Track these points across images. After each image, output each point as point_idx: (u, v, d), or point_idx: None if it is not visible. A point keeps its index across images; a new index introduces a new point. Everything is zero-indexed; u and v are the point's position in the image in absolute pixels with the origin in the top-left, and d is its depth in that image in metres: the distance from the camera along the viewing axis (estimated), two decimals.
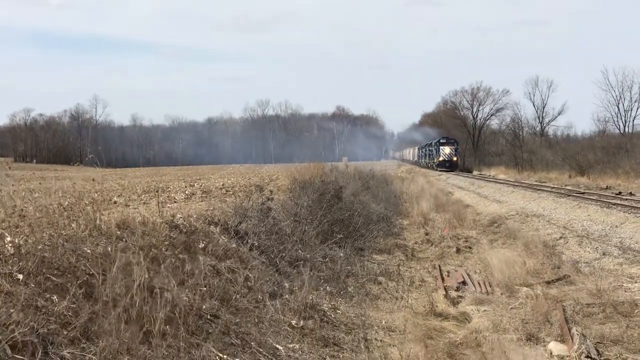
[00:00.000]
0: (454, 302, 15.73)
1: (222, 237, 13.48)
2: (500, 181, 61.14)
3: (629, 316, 13.57)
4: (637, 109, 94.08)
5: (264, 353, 9.25)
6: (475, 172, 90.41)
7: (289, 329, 10.80)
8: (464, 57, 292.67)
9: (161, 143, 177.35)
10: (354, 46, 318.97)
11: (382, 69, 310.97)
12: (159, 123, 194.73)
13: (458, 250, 23.36)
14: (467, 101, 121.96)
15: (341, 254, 18.69)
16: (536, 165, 79.71)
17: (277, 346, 9.73)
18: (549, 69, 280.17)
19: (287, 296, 12.14)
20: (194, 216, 14.25)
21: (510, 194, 46.16)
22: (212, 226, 14.02)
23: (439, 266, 19.94)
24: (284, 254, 15.41)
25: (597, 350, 11.46)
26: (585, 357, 10.73)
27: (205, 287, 10.37)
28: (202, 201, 20.99)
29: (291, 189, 25.19)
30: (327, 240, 19.24)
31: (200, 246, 11.94)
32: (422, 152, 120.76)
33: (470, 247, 24.08)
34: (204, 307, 9.63)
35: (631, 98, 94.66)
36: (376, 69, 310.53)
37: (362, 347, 10.86)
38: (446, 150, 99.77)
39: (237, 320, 9.92)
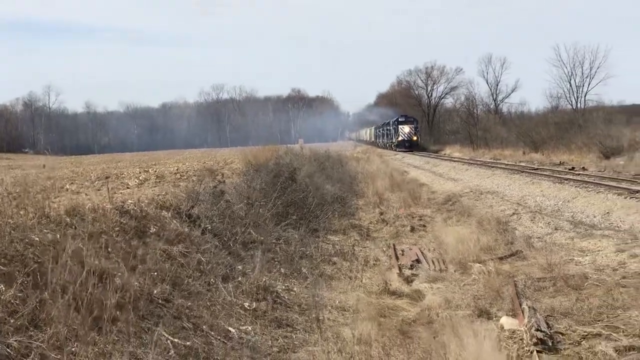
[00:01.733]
0: (408, 281, 15.82)
1: (174, 221, 13.42)
2: (455, 159, 61.42)
3: (578, 289, 13.74)
4: (589, 84, 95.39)
5: (216, 336, 9.27)
6: (430, 151, 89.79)
7: (241, 311, 10.81)
8: (419, 37, 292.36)
9: (116, 130, 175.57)
10: (310, 28, 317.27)
11: (338, 50, 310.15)
12: (113, 109, 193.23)
13: (412, 229, 23.47)
14: (422, 80, 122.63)
15: (296, 236, 18.68)
16: (491, 142, 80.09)
17: (230, 329, 9.74)
18: (503, 47, 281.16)
19: (240, 279, 12.14)
20: (146, 201, 14.16)
21: (464, 171, 46.42)
22: (163, 211, 13.94)
23: (394, 245, 20.01)
24: (237, 237, 15.41)
25: (547, 323, 11.59)
26: (535, 330, 10.83)
27: (156, 271, 10.33)
28: (155, 186, 20.83)
29: (245, 172, 25.11)
30: (282, 222, 19.24)
31: (151, 231, 11.88)
32: (379, 132, 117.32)
33: (424, 226, 24.21)
34: (155, 291, 9.61)
35: (582, 74, 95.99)
36: (331, 50, 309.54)
37: (315, 327, 10.88)
38: (405, 129, 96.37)
39: (189, 304, 9.91)
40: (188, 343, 8.59)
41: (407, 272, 16.75)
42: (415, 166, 58.62)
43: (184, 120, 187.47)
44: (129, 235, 11.07)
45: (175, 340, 8.51)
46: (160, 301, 9.50)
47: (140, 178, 26.63)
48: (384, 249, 19.89)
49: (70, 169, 41.14)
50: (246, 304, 11.08)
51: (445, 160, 61.53)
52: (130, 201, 13.42)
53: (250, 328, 10.11)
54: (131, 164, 47.95)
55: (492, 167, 46.91)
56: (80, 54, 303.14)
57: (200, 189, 16.95)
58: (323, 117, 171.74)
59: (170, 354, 8.15)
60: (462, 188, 36.06)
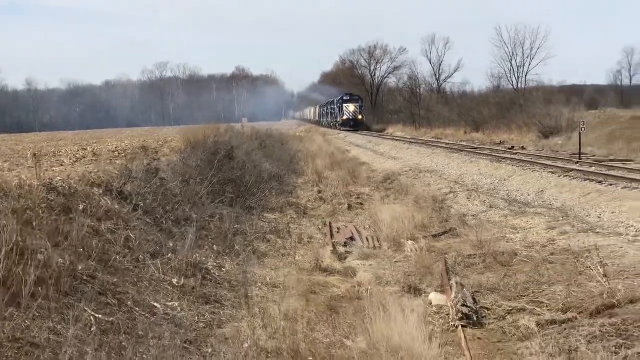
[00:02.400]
0: (342, 258, 15.92)
1: (104, 198, 13.29)
2: (398, 139, 61.70)
3: (507, 265, 13.95)
4: (529, 64, 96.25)
5: (141, 312, 9.23)
6: (374, 131, 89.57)
7: (169, 287, 10.77)
8: (364, 16, 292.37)
9: (58, 107, 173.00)
10: (253, 6, 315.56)
11: (284, 29, 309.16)
12: (55, 87, 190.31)
13: (350, 207, 23.60)
14: (365, 60, 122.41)
15: (232, 213, 18.67)
16: (433, 122, 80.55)
17: (155, 304, 9.71)
18: (446, 27, 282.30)
19: (169, 256, 12.06)
20: (76, 178, 14.00)
21: (405, 150, 46.71)
22: (95, 188, 13.80)
23: (330, 223, 20.10)
24: (169, 214, 15.31)
25: (474, 299, 11.75)
26: (461, 305, 10.98)
27: (82, 248, 10.24)
28: (90, 164, 20.60)
29: (183, 150, 24.97)
30: (218, 200, 19.21)
31: (79, 208, 11.76)
32: (324, 110, 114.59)
33: (362, 204, 24.34)
34: (80, 267, 9.50)
35: (523, 54, 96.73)
36: (278, 29, 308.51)
37: (243, 303, 10.90)
38: (350, 108, 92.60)
39: (115, 280, 9.85)
40: (111, 319, 8.55)
41: (341, 249, 16.86)
42: (357, 145, 58.75)
43: (127, 99, 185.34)
44: (56, 212, 10.95)
45: (98, 316, 8.47)
46: (85, 277, 9.42)
47: (77, 156, 26.33)
48: (320, 226, 19.95)
49: (9, 146, 40.54)
50: (174, 281, 11.04)
51: (388, 139, 61.79)
52: (59, 178, 13.25)
53: (177, 304, 10.09)
54: (72, 142, 47.31)
55: (433, 146, 47.28)
56: (20, 31, 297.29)
57: (133, 166, 16.77)
58: (267, 97, 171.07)
59: (92, 329, 8.10)
60: (402, 167, 36.27)
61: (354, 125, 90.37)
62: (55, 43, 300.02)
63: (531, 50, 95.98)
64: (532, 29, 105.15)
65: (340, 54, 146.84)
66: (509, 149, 43.35)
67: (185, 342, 8.79)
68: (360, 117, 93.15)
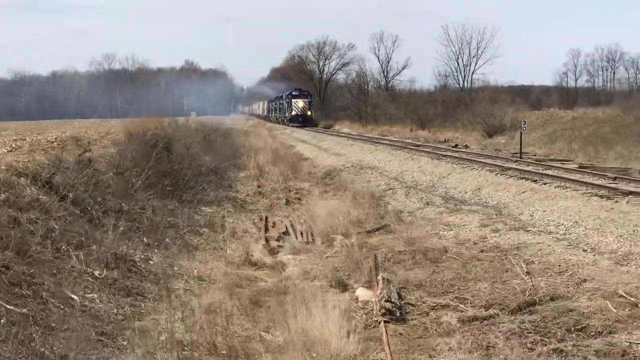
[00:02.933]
0: (273, 252, 15.91)
1: (30, 188, 13.07)
2: (343, 135, 61.69)
3: (436, 262, 14.05)
4: (476, 64, 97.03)
5: (56, 303, 9.09)
6: (320, 127, 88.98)
7: (90, 279, 10.63)
8: (312, 11, 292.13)
9: (2, 97, 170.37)
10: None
11: (233, 22, 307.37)
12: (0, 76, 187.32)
13: (287, 202, 23.59)
14: (313, 55, 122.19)
15: (169, 206, 18.56)
16: (380, 119, 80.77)
17: (73, 296, 9.58)
18: (394, 24, 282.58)
19: (94, 247, 11.89)
20: (2, 167, 13.77)
21: (349, 147, 46.78)
22: (22, 178, 13.58)
23: (266, 217, 20.07)
24: (101, 206, 15.12)
25: (399, 295, 11.78)
26: (385, 301, 11.00)
27: (1, 238, 10.06)
28: (25, 155, 20.29)
29: (121, 142, 24.73)
30: (154, 193, 19.04)
31: (1, 197, 11.57)
32: (272, 105, 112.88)
33: (300, 199, 24.35)
34: None
35: (470, 53, 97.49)
36: (226, 22, 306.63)
37: (164, 296, 10.80)
38: (299, 103, 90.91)
39: (32, 271, 9.67)
40: (24, 310, 8.41)
41: (274, 243, 16.86)
42: (302, 141, 58.72)
43: (74, 90, 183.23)
44: None
45: (9, 307, 8.31)
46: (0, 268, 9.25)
47: (12, 146, 25.92)
48: (256, 221, 19.89)
49: None
50: (96, 272, 10.90)
51: (333, 135, 61.79)
52: None
53: (96, 296, 9.97)
54: (15, 133, 46.60)
55: (376, 143, 47.35)
56: None
57: (63, 157, 16.53)
58: (216, 90, 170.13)
59: (1, 321, 7.95)
60: (344, 163, 36.33)
61: (302, 121, 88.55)
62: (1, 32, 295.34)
63: (477, 50, 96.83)
64: (479, 29, 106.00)
65: (289, 49, 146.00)
66: (453, 147, 43.57)
67: (100, 335, 8.70)
68: (309, 112, 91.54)
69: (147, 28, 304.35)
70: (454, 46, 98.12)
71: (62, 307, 9.07)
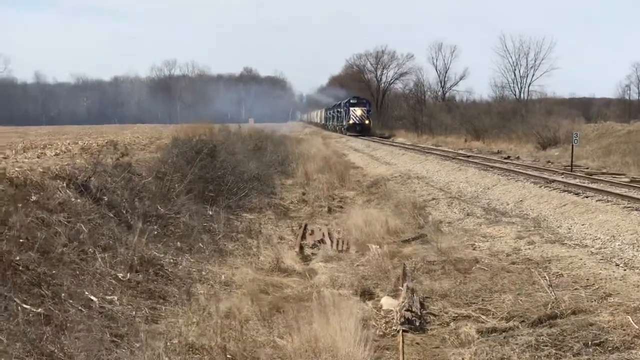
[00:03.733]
0: (306, 259, 16.03)
1: (64, 191, 13.34)
2: (396, 144, 61.65)
3: (465, 273, 13.99)
4: (533, 75, 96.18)
5: (75, 304, 9.26)
6: (377, 136, 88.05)
7: (113, 281, 10.80)
8: (371, 21, 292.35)
9: (66, 101, 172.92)
10: (261, 8, 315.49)
11: (288, 31, 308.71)
12: (63, 81, 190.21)
13: (330, 210, 23.65)
14: (371, 64, 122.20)
15: (209, 212, 18.73)
16: (435, 129, 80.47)
17: (92, 297, 9.74)
18: (453, 35, 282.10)
19: (121, 250, 12.08)
20: (40, 170, 14.08)
21: (400, 156, 46.74)
22: (58, 180, 13.86)
23: (305, 225, 20.18)
24: (137, 210, 15.33)
25: (423, 304, 11.80)
26: (406, 310, 11.02)
27: (27, 238, 10.29)
28: (72, 157, 20.67)
29: (166, 147, 25.06)
30: (196, 198, 19.30)
31: (32, 199, 11.83)
32: (330, 113, 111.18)
33: (342, 207, 24.42)
34: (17, 258, 9.55)
35: (527, 64, 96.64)
36: (286, 31, 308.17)
37: (185, 300, 10.94)
38: (357, 112, 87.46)
39: (54, 272, 9.87)
40: (40, 310, 8.60)
41: (309, 251, 16.99)
42: (355, 149, 58.84)
43: (134, 95, 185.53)
44: (3, 201, 11.00)
45: (26, 306, 8.51)
46: (21, 268, 9.46)
47: (62, 149, 26.40)
48: (295, 228, 20.00)
49: (12, 139, 40.62)
50: (120, 275, 11.08)
51: (387, 144, 61.73)
52: (16, 169, 13.33)
53: (116, 298, 10.12)
54: (74, 136, 47.39)
55: (428, 153, 47.30)
56: (29, 23, 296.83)
57: (101, 160, 16.82)
58: (275, 98, 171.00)
59: (16, 320, 8.15)
60: (393, 172, 36.32)
61: (360, 130, 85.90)
62: (65, 37, 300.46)
63: (535, 61, 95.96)
64: (537, 40, 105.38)
65: (347, 58, 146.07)
66: (504, 158, 43.35)
67: (115, 336, 8.85)
68: (367, 121, 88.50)
69: (206, 35, 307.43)
70: (511, 57, 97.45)
71: (80, 308, 9.25)
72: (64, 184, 13.78)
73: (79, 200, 13.28)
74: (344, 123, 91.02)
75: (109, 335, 8.70)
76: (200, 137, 27.72)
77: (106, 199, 14.57)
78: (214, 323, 9.55)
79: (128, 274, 11.23)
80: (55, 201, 12.32)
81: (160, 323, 9.83)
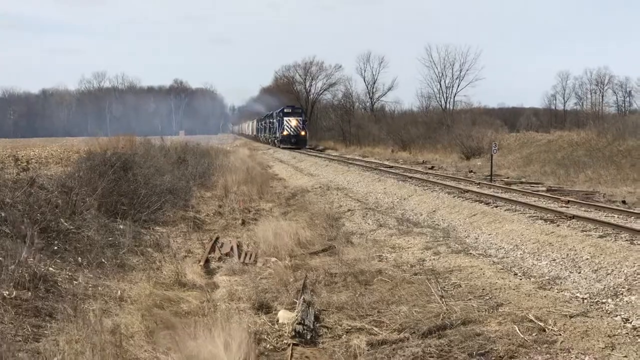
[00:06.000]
0: (211, 273, 15.91)
1: None
2: (322, 156, 61.74)
3: (366, 285, 14.00)
4: (458, 85, 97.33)
5: None
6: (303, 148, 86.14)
7: None
8: (303, 33, 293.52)
9: None
10: (193, 20, 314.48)
11: (222, 43, 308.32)
12: None
13: (244, 223, 23.51)
14: (300, 76, 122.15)
15: (120, 225, 18.49)
16: (363, 139, 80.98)
17: None
18: (381, 46, 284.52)
19: (12, 267, 11.81)
20: None
21: (324, 167, 46.82)
22: None
23: (216, 238, 20.03)
24: (38, 225, 15.02)
25: (318, 317, 11.79)
26: (298, 323, 10.97)
27: None
28: None
29: (78, 161, 24.71)
30: (107, 212, 19.08)
31: None
32: (262, 124, 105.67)
33: (256, 219, 24.25)
34: None
35: (452, 75, 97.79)
36: (216, 43, 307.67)
37: (72, 317, 10.72)
38: (292, 122, 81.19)
39: None
40: None
41: (215, 264, 16.83)
42: (281, 161, 58.78)
43: (64, 108, 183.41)
44: None
45: None
46: None
47: None
48: (205, 241, 19.83)
49: None
50: (5, 292, 10.84)
51: (312, 156, 61.63)
52: None
53: None
54: None
55: (350, 164, 47.56)
56: None
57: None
58: (206, 110, 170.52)
59: None
60: (315, 183, 36.36)
61: (295, 142, 79.90)
62: None
63: (460, 72, 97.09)
64: (462, 51, 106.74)
65: (276, 70, 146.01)
66: (429, 168, 43.84)
67: None
68: (303, 133, 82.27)
69: (136, 47, 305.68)
70: (437, 68, 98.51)
71: None
72: None
73: None
74: (277, 135, 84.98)
75: None
76: (115, 150, 27.39)
77: (2, 215, 14.28)
78: (95, 340, 9.37)
79: (14, 292, 10.98)
80: None
81: (41, 342, 9.61)
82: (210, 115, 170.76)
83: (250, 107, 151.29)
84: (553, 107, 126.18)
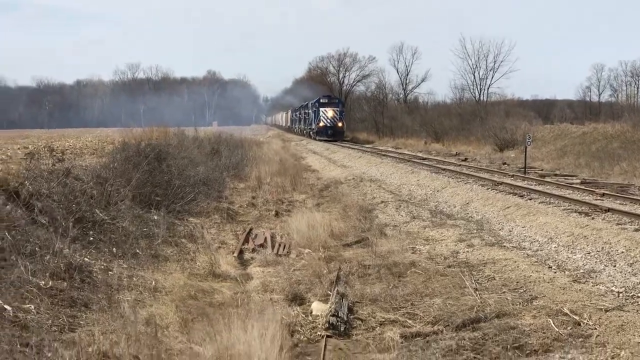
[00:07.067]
0: (245, 264, 15.96)
1: None
2: (355, 147, 61.61)
3: (400, 277, 13.97)
4: (492, 77, 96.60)
5: None
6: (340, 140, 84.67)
7: (34, 290, 10.62)
8: (333, 25, 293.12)
9: (27, 105, 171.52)
10: (220, 14, 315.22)
11: (256, 35, 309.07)
12: (24, 84, 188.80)
13: (277, 214, 23.56)
14: (334, 67, 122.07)
15: (154, 216, 18.58)
16: (396, 131, 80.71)
17: (6, 306, 9.59)
18: (414, 37, 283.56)
19: (47, 257, 11.91)
20: None
21: (357, 159, 46.79)
22: None
23: (250, 229, 20.09)
24: (73, 215, 15.12)
25: (351, 309, 11.78)
26: (331, 315, 10.98)
27: None
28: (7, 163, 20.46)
29: (112, 152, 24.85)
30: (141, 203, 19.20)
31: None
32: (296, 115, 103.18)
33: (289, 211, 24.27)
34: None
35: (486, 67, 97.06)
36: (249, 35, 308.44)
37: (106, 307, 10.80)
38: (329, 113, 76.77)
39: None
40: None
41: (249, 255, 16.89)
42: (314, 152, 58.78)
43: (98, 99, 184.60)
44: None
45: None
46: None
47: (7, 154, 26.17)
48: (239, 232, 19.90)
49: None
50: (41, 282, 10.93)
51: (346, 147, 61.55)
52: None
53: (33, 307, 9.97)
54: (31, 142, 46.91)
55: (384, 155, 47.52)
56: None
57: (31, 165, 16.65)
58: (239, 101, 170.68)
59: None
60: (348, 175, 36.34)
61: (332, 134, 75.98)
62: (26, 40, 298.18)
63: (494, 63, 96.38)
64: (496, 42, 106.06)
65: (310, 61, 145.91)
66: (463, 160, 43.70)
67: (25, 346, 8.70)
68: (340, 124, 78.01)
69: (170, 39, 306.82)
70: (471, 59, 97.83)
71: None
72: None
73: (7, 207, 13.10)
74: (313, 126, 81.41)
75: (18, 346, 8.56)
76: (149, 141, 27.52)
77: (39, 205, 14.39)
78: (130, 331, 9.43)
79: (50, 282, 11.07)
80: None
81: (77, 332, 9.68)
82: (243, 106, 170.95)
83: (283, 99, 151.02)
84: (587, 99, 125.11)
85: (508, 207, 21.04)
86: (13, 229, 12.24)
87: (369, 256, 16.07)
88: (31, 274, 11.04)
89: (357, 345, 10.36)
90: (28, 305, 9.95)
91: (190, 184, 23.56)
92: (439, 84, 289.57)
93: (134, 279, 13.07)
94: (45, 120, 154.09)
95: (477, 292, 12.04)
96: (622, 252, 14.69)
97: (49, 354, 8.60)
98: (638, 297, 12.02)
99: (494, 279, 13.35)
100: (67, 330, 9.73)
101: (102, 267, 13.18)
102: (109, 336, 9.26)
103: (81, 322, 10.17)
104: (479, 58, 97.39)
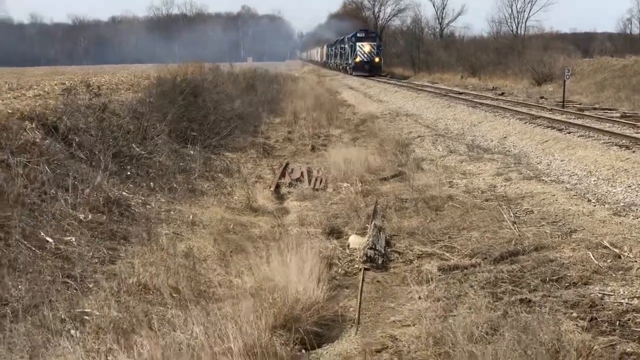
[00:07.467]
0: (282, 198, 15.99)
1: (35, 132, 13.24)
2: (391, 82, 61.14)
3: (437, 210, 13.92)
4: (530, 10, 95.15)
5: (27, 245, 9.21)
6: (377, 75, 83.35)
7: (74, 222, 10.72)
8: None
9: (63, 42, 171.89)
10: None
11: None
12: (60, 21, 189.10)
13: (313, 149, 23.53)
14: (369, 1, 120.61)
15: (191, 151, 18.66)
16: (432, 66, 79.88)
17: (48, 239, 9.69)
18: None
19: (87, 190, 11.98)
20: (7, 111, 13.97)
21: (393, 94, 46.52)
22: (26, 122, 13.74)
23: (286, 163, 20.09)
24: (111, 150, 15.17)
25: (388, 242, 11.77)
26: (369, 248, 10.97)
27: None
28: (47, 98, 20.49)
29: (148, 87, 24.85)
30: (178, 138, 19.29)
31: None
32: (332, 50, 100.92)
33: (326, 145, 24.23)
34: None
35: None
36: None
37: (146, 240, 10.87)
38: (365, 48, 74.56)
39: (9, 214, 9.80)
40: None
41: (286, 189, 16.92)
42: (350, 87, 58.47)
43: (132, 35, 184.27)
44: None
45: None
46: None
47: (46, 90, 26.17)
48: (276, 167, 19.91)
49: (4, 79, 40.28)
50: (81, 216, 11.02)
51: (381, 82, 61.09)
52: None
53: (74, 239, 10.07)
54: (67, 78, 46.96)
55: (420, 90, 47.12)
56: None
57: (69, 100, 16.70)
58: (274, 36, 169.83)
59: None
60: (384, 109, 36.20)
61: (369, 69, 73.38)
62: None
63: None
64: None
65: None
66: (499, 94, 43.20)
67: (68, 277, 8.81)
68: (377, 59, 75.75)
69: None
70: None
71: (33, 249, 9.20)
72: (32, 125, 13.66)
73: (46, 142, 13.18)
74: (350, 61, 78.83)
75: (61, 277, 8.66)
76: (185, 76, 27.48)
77: (77, 140, 14.47)
78: (169, 263, 9.51)
79: (90, 215, 11.16)
80: (17, 142, 12.22)
81: (117, 264, 9.78)
82: (278, 42, 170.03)
83: (318, 34, 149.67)
84: (628, 31, 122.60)
85: (546, 141, 20.84)
86: (52, 163, 12.31)
87: (406, 190, 16.03)
88: (71, 207, 11.16)
89: (394, 278, 10.35)
90: (69, 238, 10.07)
91: (226, 118, 23.59)
92: (475, 17, 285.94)
93: (172, 212, 13.18)
94: (81, 57, 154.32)
95: (515, 226, 11.97)
96: None
97: (91, 285, 8.70)
98: None
99: (532, 213, 13.25)
100: (108, 262, 9.85)
101: (140, 201, 13.30)
102: (148, 268, 9.33)
103: (121, 255, 10.29)
104: None
